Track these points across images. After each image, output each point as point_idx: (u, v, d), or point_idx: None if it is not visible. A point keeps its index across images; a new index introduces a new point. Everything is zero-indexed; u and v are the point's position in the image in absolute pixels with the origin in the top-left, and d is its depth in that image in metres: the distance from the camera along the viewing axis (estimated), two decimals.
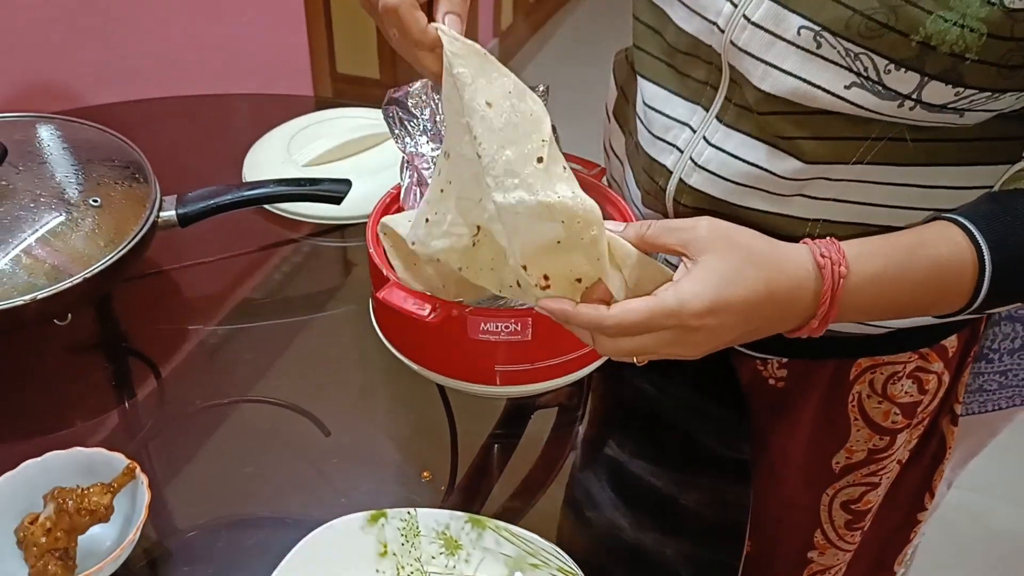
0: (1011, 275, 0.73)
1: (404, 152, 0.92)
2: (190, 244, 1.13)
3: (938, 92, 0.71)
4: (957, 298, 0.74)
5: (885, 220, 0.82)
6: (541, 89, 0.88)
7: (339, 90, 2.84)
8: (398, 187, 0.94)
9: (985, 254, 0.72)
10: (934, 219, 0.76)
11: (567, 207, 0.66)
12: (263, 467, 0.91)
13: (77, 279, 0.92)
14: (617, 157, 1.04)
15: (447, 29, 0.69)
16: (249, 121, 1.38)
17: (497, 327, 0.82)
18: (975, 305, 0.74)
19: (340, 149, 1.25)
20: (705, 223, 0.70)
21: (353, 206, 1.14)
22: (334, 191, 1.10)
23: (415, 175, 0.91)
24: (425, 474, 0.90)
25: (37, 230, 0.95)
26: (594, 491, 0.92)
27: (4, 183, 0.97)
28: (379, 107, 1.32)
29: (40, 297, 0.90)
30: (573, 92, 2.33)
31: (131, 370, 1.04)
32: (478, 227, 0.73)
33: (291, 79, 2.11)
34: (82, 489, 0.78)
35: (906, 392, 0.98)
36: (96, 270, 0.93)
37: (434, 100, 0.91)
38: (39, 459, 0.80)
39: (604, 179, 1.01)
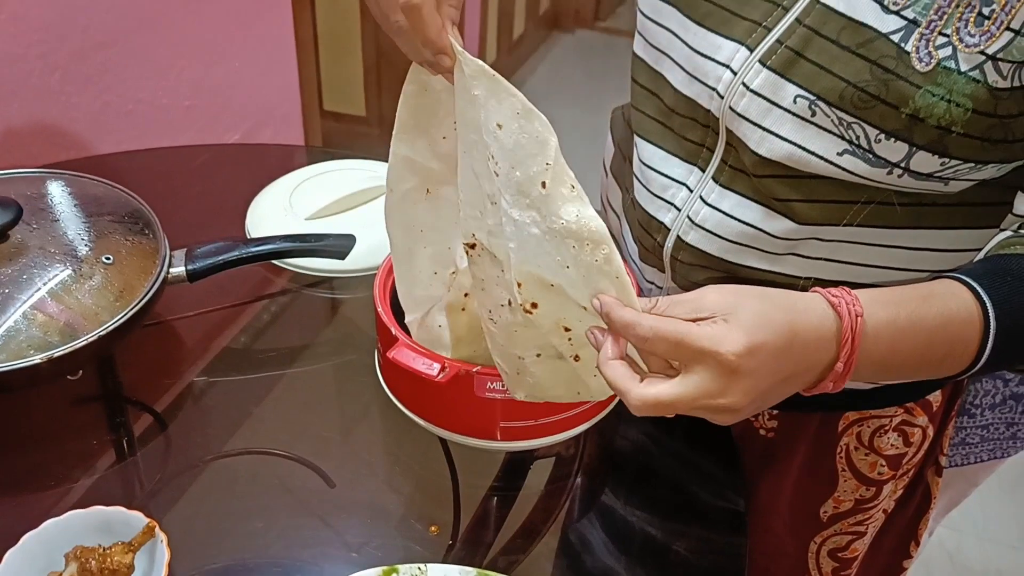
0: (1015, 335, 0.73)
1: None
2: (186, 293, 1.12)
3: (925, 161, 0.74)
4: (964, 356, 0.73)
5: (873, 279, 0.85)
6: None
7: (326, 128, 2.85)
8: None
9: (990, 311, 0.72)
10: (937, 278, 0.76)
11: (571, 231, 0.66)
12: (272, 521, 0.91)
13: (92, 337, 0.92)
14: (614, 212, 1.07)
15: (462, 49, 0.70)
16: (247, 171, 1.38)
17: (503, 386, 0.83)
18: (979, 364, 0.74)
19: (340, 202, 1.26)
20: (712, 288, 0.69)
21: (353, 259, 1.14)
22: (339, 246, 1.11)
23: None
24: (433, 528, 0.91)
25: (51, 288, 0.95)
26: (591, 540, 0.93)
27: (19, 239, 0.97)
28: (374, 158, 1.36)
29: (56, 355, 0.90)
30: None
31: (135, 423, 1.04)
32: (473, 242, 0.74)
33: (281, 119, 2.12)
34: (104, 548, 0.78)
35: (892, 445, 0.99)
36: (110, 328, 0.93)
37: None
38: (60, 518, 0.80)
39: None
